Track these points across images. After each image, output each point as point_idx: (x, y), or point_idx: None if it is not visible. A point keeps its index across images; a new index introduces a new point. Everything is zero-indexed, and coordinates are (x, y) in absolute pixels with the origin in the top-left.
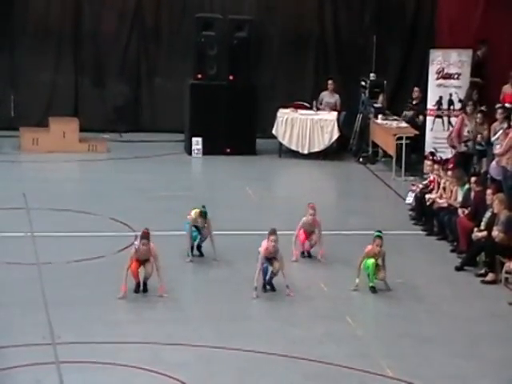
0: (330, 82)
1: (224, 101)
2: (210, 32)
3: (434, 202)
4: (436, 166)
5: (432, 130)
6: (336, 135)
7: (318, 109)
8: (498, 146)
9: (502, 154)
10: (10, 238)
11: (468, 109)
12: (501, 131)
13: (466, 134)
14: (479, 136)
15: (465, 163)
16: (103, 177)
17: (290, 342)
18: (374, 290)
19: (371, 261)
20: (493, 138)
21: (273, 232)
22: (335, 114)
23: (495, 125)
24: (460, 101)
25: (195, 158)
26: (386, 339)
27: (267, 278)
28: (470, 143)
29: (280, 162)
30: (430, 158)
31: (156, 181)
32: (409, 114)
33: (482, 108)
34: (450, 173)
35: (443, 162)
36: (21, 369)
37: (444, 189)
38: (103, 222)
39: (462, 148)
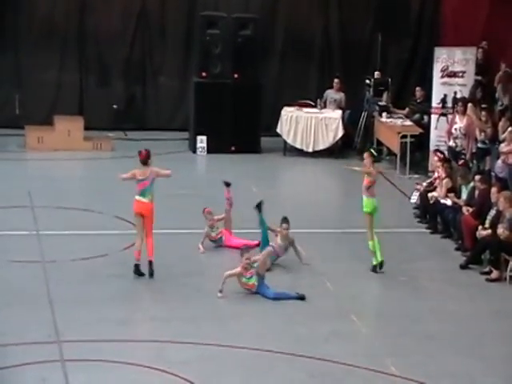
0: (336, 80)
1: (228, 99)
2: (214, 30)
3: (436, 200)
4: (439, 163)
5: (436, 128)
6: (340, 133)
7: (323, 107)
8: (503, 144)
9: (509, 151)
10: (15, 236)
11: (458, 108)
12: (510, 128)
13: (453, 131)
14: (483, 134)
15: (453, 158)
16: (108, 175)
17: (295, 341)
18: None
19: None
20: (502, 136)
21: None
22: (340, 112)
23: (502, 123)
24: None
25: (200, 156)
26: (390, 337)
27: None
28: (457, 140)
29: (284, 160)
30: (439, 154)
31: (160, 179)
32: (415, 116)
33: (484, 106)
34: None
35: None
36: (26, 367)
37: (449, 189)
38: (108, 220)
39: (451, 143)
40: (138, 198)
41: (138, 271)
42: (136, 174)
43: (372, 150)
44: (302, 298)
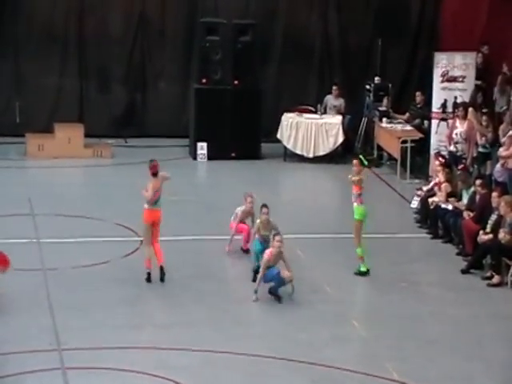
0: (334, 87)
1: (228, 105)
2: (214, 37)
3: (437, 205)
4: (439, 168)
5: (437, 132)
6: (341, 139)
7: (323, 112)
8: (502, 149)
9: (508, 156)
10: (15, 244)
11: (459, 112)
12: (510, 132)
13: (454, 135)
14: (483, 138)
15: (454, 163)
16: (108, 182)
17: (295, 346)
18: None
19: None
20: (502, 140)
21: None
22: (340, 117)
23: (503, 127)
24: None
25: (200, 162)
26: (391, 341)
27: (273, 285)
28: (458, 145)
29: (285, 166)
30: (440, 159)
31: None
32: (415, 121)
33: (485, 110)
34: (458, 173)
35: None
36: (27, 375)
37: (449, 194)
38: (108, 227)
39: (452, 148)
40: (151, 207)
41: (150, 279)
42: (154, 188)
43: (361, 157)
44: (278, 298)
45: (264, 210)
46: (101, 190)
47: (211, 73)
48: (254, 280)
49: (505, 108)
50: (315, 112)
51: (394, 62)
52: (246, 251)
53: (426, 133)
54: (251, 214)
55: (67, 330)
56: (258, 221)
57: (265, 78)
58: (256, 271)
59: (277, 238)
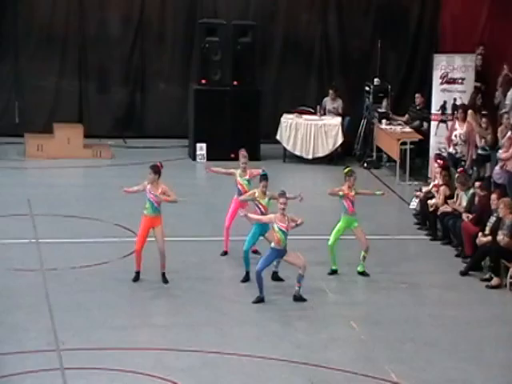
0: (331, 91)
1: (228, 106)
2: (213, 37)
3: (436, 207)
4: (437, 170)
5: (436, 134)
6: (340, 140)
7: (322, 114)
8: (501, 151)
9: (508, 158)
10: (14, 245)
11: (458, 114)
12: (509, 133)
13: (453, 137)
14: (483, 140)
15: (453, 165)
16: (107, 183)
17: (294, 347)
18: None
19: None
20: (502, 141)
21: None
22: (339, 119)
23: (502, 128)
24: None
25: (199, 163)
26: (390, 344)
27: (296, 289)
28: (458, 147)
29: (284, 167)
30: (439, 161)
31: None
32: (415, 123)
33: (484, 112)
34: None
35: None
36: (26, 375)
37: (447, 196)
38: (108, 228)
39: (451, 150)
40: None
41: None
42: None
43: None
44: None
45: (263, 183)
46: (100, 191)
47: (211, 73)
48: (246, 280)
49: (504, 110)
50: (314, 113)
51: (393, 63)
52: (226, 253)
53: (426, 135)
54: (245, 170)
55: (66, 331)
56: (256, 190)
57: (264, 79)
58: (247, 269)
59: (281, 199)
